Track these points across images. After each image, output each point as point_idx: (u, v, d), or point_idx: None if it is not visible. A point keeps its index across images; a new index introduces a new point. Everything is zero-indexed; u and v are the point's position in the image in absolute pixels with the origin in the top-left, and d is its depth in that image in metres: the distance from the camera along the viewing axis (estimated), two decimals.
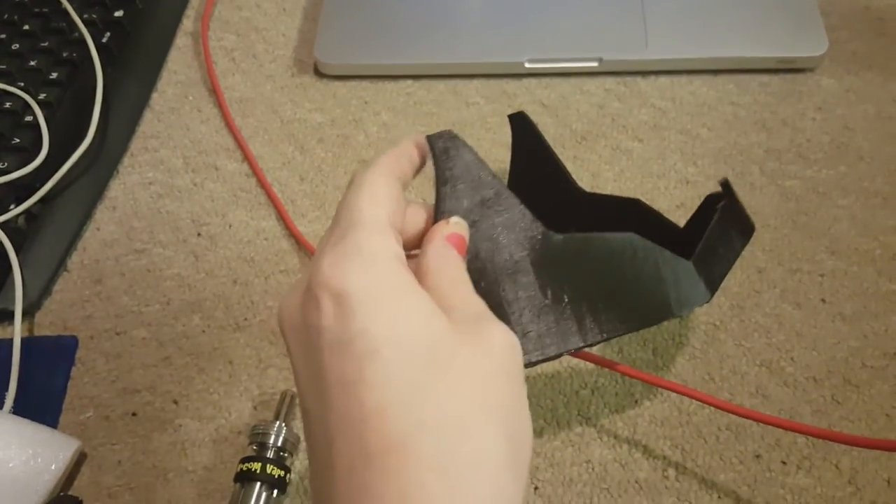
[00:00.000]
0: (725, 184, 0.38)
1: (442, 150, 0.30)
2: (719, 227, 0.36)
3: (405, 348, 0.23)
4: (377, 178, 0.28)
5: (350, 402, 0.23)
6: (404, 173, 0.29)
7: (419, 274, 0.27)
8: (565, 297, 0.31)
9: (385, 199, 0.27)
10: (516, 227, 0.30)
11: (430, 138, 0.31)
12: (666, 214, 0.47)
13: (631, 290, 0.32)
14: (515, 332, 0.26)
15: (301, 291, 0.26)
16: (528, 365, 0.29)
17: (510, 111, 0.54)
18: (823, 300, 0.44)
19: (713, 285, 0.35)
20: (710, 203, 0.38)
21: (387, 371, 0.23)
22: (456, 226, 0.29)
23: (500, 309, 0.29)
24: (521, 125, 0.42)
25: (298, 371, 0.26)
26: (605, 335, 0.31)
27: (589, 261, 0.31)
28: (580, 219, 0.42)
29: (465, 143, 0.31)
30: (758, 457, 0.39)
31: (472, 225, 0.30)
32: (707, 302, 0.35)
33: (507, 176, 0.45)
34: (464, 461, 0.22)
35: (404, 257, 0.26)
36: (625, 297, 0.32)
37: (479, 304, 0.27)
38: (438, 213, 0.30)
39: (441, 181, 0.30)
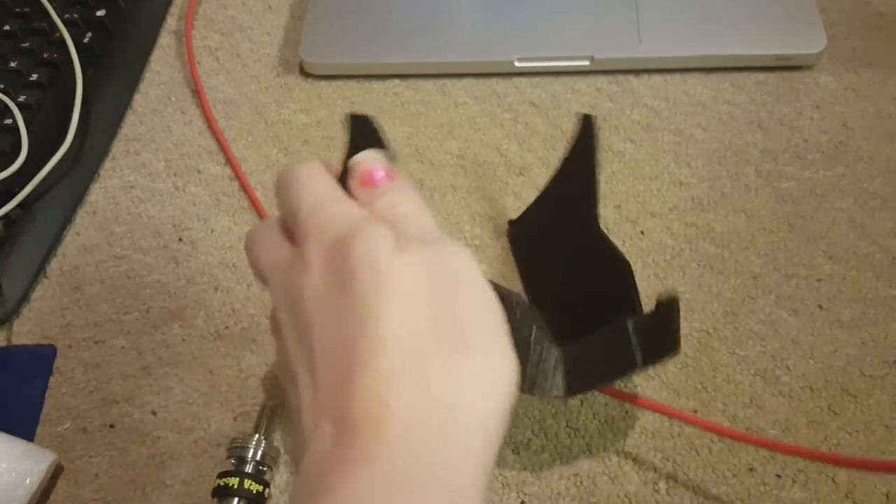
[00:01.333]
0: (666, 300, 0.34)
1: (356, 129, 0.31)
2: (612, 339, 0.34)
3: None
4: (309, 167, 0.29)
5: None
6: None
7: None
8: None
9: (323, 177, 0.29)
10: None
11: (350, 115, 0.32)
12: (658, 217, 0.46)
13: None
14: None
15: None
16: None
17: (500, 111, 0.52)
18: (821, 306, 0.42)
19: (573, 388, 0.33)
20: (657, 307, 0.34)
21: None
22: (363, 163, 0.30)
23: None
24: (588, 130, 0.39)
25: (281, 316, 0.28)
26: None
27: None
28: (576, 251, 0.41)
29: (378, 128, 0.31)
30: (752, 470, 0.38)
31: None
32: (559, 398, 0.33)
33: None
34: (402, 362, 0.24)
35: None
36: None
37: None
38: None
39: (349, 156, 0.31)
